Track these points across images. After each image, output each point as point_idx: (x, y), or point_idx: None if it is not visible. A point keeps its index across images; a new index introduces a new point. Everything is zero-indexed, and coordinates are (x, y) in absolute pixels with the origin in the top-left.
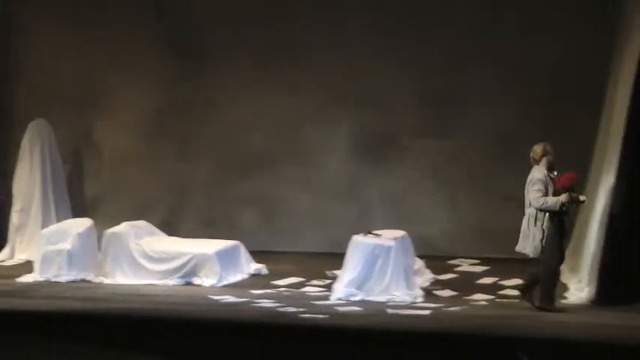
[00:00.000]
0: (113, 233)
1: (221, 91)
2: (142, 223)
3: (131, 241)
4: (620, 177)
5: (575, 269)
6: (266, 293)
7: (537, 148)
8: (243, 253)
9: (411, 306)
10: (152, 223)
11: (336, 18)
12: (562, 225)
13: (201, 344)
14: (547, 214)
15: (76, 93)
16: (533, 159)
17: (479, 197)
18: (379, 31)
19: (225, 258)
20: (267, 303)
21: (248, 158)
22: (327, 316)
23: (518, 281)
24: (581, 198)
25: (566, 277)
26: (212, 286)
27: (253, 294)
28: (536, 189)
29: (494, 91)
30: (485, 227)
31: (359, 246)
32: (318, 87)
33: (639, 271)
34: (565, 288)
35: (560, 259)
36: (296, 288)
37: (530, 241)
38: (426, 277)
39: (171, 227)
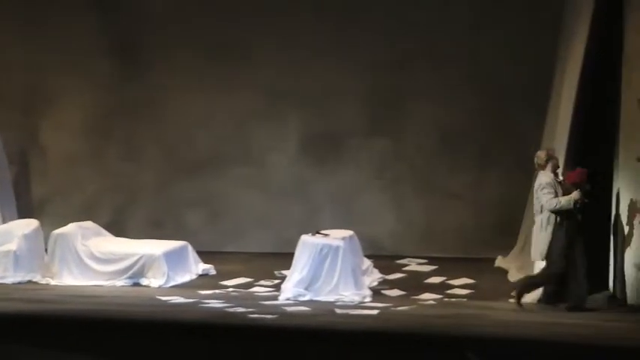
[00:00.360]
0: (60, 234)
1: (167, 90)
2: (88, 223)
3: (78, 242)
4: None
5: (522, 268)
6: (214, 294)
7: (541, 154)
8: (191, 254)
9: (359, 306)
10: (99, 224)
11: (283, 16)
12: (572, 228)
13: (149, 345)
14: (557, 218)
15: (22, 93)
16: (539, 164)
17: (426, 197)
18: (326, 30)
19: (173, 258)
20: (215, 303)
21: (195, 158)
22: (275, 316)
23: (466, 280)
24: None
25: (513, 276)
26: (160, 287)
27: (201, 294)
28: (547, 192)
29: (440, 90)
30: (432, 227)
31: (307, 246)
32: (265, 86)
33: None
34: (513, 287)
35: (564, 266)
36: (244, 288)
37: (538, 246)
38: (374, 277)
39: (118, 228)
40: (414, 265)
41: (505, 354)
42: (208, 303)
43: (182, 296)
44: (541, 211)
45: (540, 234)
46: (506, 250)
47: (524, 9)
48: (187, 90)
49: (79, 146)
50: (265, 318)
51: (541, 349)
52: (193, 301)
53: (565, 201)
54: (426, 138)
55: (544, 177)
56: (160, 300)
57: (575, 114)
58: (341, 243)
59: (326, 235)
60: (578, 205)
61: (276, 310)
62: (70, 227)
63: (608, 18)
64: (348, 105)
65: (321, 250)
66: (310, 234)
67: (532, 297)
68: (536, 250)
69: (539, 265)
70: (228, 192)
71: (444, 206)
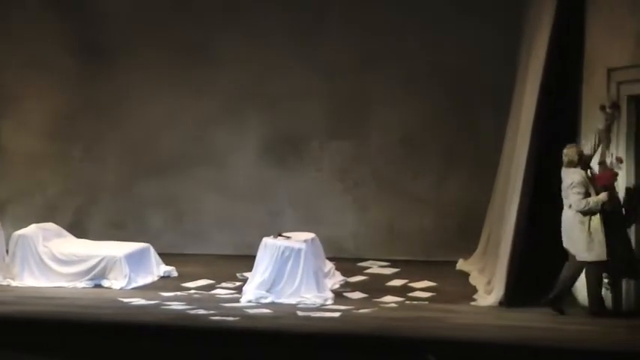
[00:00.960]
0: (21, 235)
1: (129, 91)
2: (50, 225)
3: (39, 244)
4: (526, 180)
5: (483, 271)
6: (176, 295)
7: (571, 151)
8: (153, 255)
9: (321, 308)
10: (61, 225)
11: (246, 19)
12: (609, 224)
13: (112, 347)
14: (592, 216)
15: None
16: (571, 162)
17: (388, 199)
18: (288, 33)
19: (135, 260)
20: (177, 305)
21: (157, 159)
22: (237, 318)
23: (427, 283)
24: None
25: (474, 278)
26: (121, 289)
27: (163, 296)
28: (577, 191)
29: (401, 92)
30: (395, 229)
31: (269, 248)
32: (227, 88)
33: (546, 271)
34: (474, 290)
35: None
36: (206, 290)
37: (584, 245)
38: (336, 280)
39: (79, 229)
40: (375, 268)
41: (466, 357)
42: (170, 305)
43: (144, 298)
44: (570, 208)
45: (583, 233)
46: (468, 252)
47: (489, 9)
48: (150, 91)
49: (40, 146)
50: (227, 320)
51: (502, 352)
52: (155, 303)
53: (593, 202)
54: (388, 140)
55: (577, 175)
56: (121, 302)
57: (536, 116)
58: (303, 245)
59: (288, 237)
60: (605, 207)
61: (238, 312)
62: (31, 228)
63: (570, 20)
64: (311, 107)
65: (283, 252)
66: (272, 236)
67: (492, 299)
68: (589, 250)
69: (502, 265)
70: (191, 194)
71: (407, 209)
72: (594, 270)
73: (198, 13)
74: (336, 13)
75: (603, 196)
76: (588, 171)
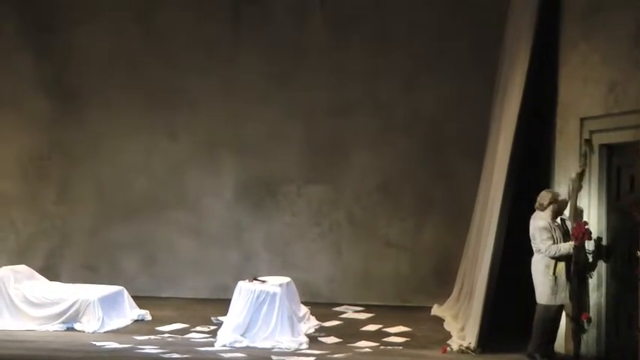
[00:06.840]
0: None
1: (104, 134)
2: (21, 267)
3: (11, 286)
4: (500, 227)
5: (457, 317)
6: (150, 339)
7: (546, 195)
8: (127, 299)
9: (295, 353)
10: (33, 268)
11: (222, 63)
12: (569, 270)
13: None
14: (556, 261)
15: None
16: (540, 204)
17: (364, 244)
18: (265, 77)
19: (108, 303)
20: (151, 349)
21: (131, 202)
22: None
23: (402, 328)
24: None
25: (449, 324)
26: (94, 332)
27: (137, 340)
28: (546, 237)
29: (378, 137)
30: (369, 274)
31: (244, 292)
32: (202, 131)
33: (519, 318)
34: (448, 335)
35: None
36: (180, 334)
37: (548, 289)
38: (310, 324)
39: (52, 272)
40: (350, 313)
41: None
42: (143, 349)
43: (117, 341)
44: (537, 252)
45: (546, 278)
46: (443, 298)
47: (466, 59)
48: (124, 133)
49: (13, 188)
50: None
51: None
52: (128, 347)
53: (564, 249)
54: (364, 185)
55: (540, 220)
56: (94, 345)
57: (510, 163)
58: (278, 289)
59: (263, 281)
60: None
61: (213, 356)
62: (3, 271)
63: (543, 68)
64: (288, 151)
65: (258, 296)
66: (247, 280)
67: (461, 345)
68: (552, 295)
69: (476, 311)
70: (164, 237)
71: (382, 253)
72: (545, 313)
73: (174, 57)
74: (314, 59)
75: (571, 244)
76: (559, 219)
